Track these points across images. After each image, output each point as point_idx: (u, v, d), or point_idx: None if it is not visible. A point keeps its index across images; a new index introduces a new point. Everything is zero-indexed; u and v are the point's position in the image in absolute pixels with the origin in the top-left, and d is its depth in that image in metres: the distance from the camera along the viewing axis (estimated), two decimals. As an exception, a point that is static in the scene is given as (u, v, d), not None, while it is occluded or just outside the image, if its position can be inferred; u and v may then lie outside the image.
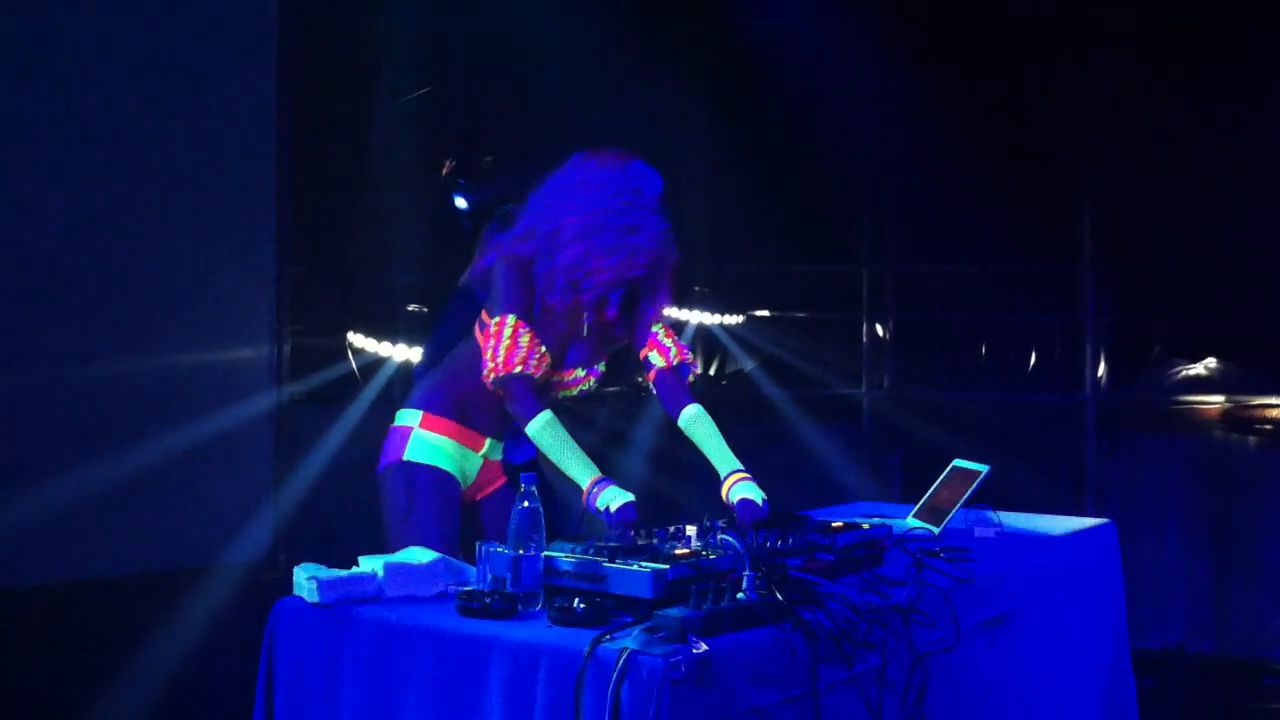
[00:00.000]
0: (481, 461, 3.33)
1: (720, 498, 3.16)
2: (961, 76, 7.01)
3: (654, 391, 3.42)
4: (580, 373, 3.36)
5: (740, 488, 3.10)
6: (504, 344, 3.10)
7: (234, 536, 5.33)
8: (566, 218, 3.22)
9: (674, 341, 3.42)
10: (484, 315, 3.28)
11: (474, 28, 6.48)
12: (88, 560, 4.83)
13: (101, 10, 4.94)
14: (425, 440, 3.24)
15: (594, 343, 3.37)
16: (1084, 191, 6.85)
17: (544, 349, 3.16)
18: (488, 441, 3.33)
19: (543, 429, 3.05)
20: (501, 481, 3.44)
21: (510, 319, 3.12)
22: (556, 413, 3.12)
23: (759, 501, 3.05)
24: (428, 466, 3.23)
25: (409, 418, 3.28)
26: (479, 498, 3.39)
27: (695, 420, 3.30)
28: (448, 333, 3.87)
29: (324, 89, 5.96)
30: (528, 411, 3.07)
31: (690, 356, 3.47)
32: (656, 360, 3.39)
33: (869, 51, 7.39)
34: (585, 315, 3.25)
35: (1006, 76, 6.88)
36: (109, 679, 4.56)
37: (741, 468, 3.17)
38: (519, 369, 3.08)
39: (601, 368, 3.43)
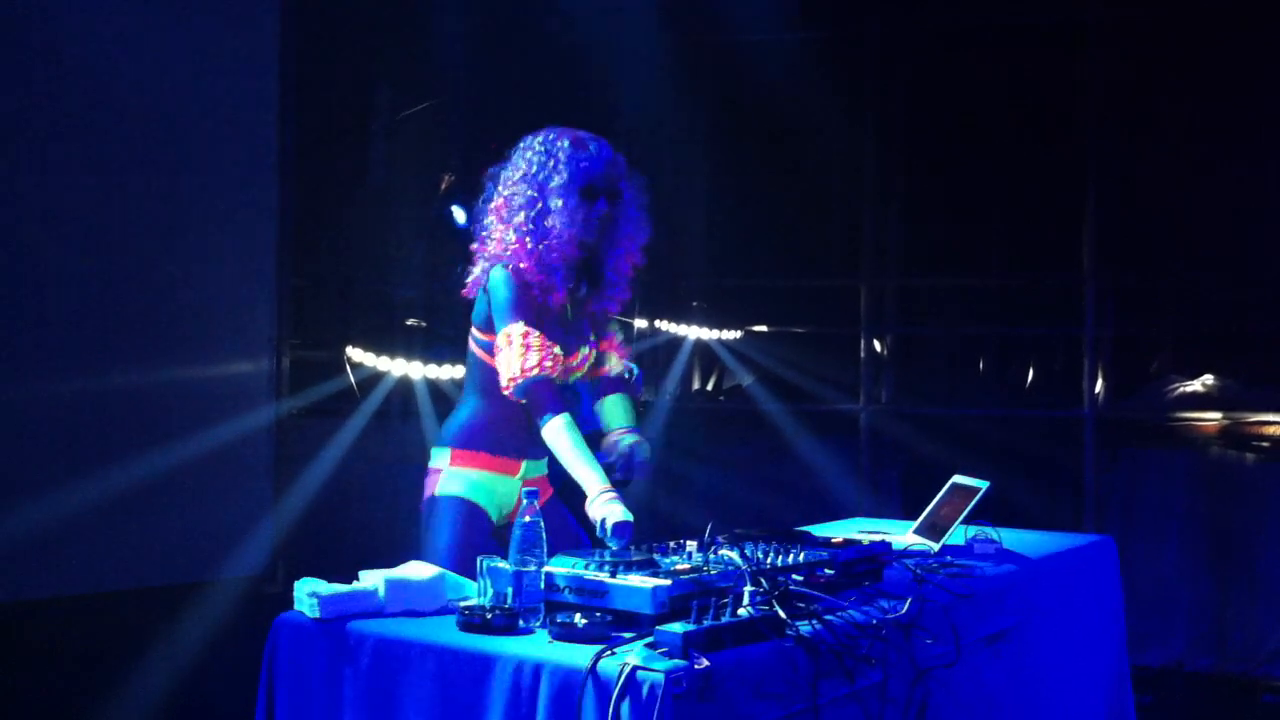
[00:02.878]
0: (520, 484, 3.31)
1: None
2: (961, 91, 7.03)
3: (590, 382, 3.48)
4: (585, 350, 3.36)
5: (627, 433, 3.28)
6: (517, 351, 3.09)
7: (233, 551, 5.32)
8: (496, 199, 3.28)
9: (624, 343, 3.55)
10: (476, 332, 3.28)
11: (474, 43, 6.49)
12: (85, 575, 4.81)
13: (101, 22, 4.94)
14: (455, 476, 3.24)
15: (584, 319, 3.38)
16: (1084, 206, 6.86)
17: (557, 349, 3.15)
18: (524, 464, 3.31)
19: (560, 431, 3.06)
20: (549, 494, 3.42)
21: (518, 326, 3.12)
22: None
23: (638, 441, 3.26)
24: (452, 498, 3.22)
25: (439, 458, 3.28)
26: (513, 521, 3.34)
27: (618, 398, 3.44)
28: None
29: (325, 103, 5.97)
30: (547, 413, 3.08)
31: (631, 365, 3.52)
32: (613, 364, 3.46)
33: (866, 65, 7.40)
34: (556, 296, 3.23)
35: (1007, 90, 6.90)
36: (107, 695, 4.55)
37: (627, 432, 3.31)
38: (536, 372, 3.08)
39: (593, 336, 3.42)
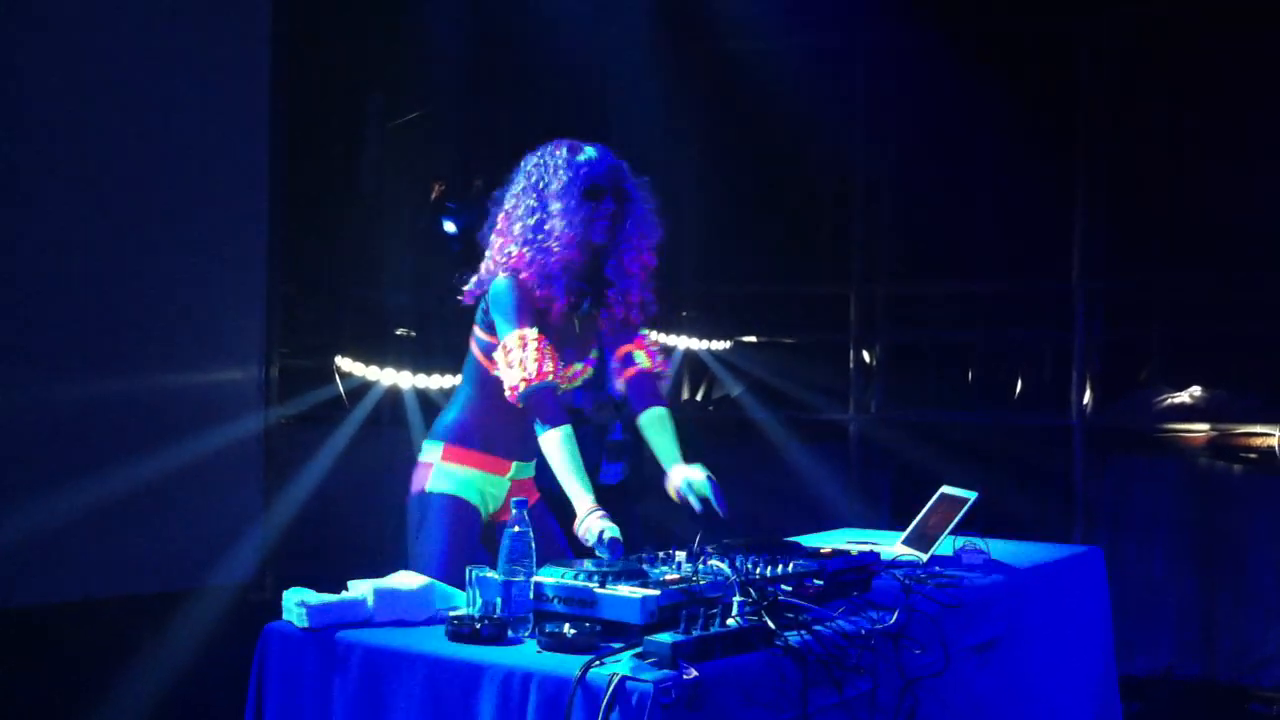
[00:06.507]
0: (509, 484, 3.31)
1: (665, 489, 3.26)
2: (949, 98, 7.04)
3: (623, 387, 3.43)
4: (578, 366, 3.35)
5: (688, 470, 3.21)
6: (530, 357, 3.07)
7: (221, 559, 5.31)
8: (498, 213, 3.28)
9: (660, 350, 3.47)
10: (478, 332, 3.27)
11: (466, 50, 6.50)
12: (74, 582, 4.81)
13: (92, 30, 4.94)
14: (447, 472, 3.23)
15: (584, 334, 3.37)
16: (1074, 214, 6.87)
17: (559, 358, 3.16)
18: (514, 465, 3.31)
19: (558, 444, 3.05)
20: (534, 499, 3.41)
21: (529, 332, 3.11)
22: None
23: (705, 478, 3.16)
24: (445, 495, 3.22)
25: (431, 452, 3.27)
26: (500, 520, 3.32)
27: (659, 420, 3.35)
28: None
29: (316, 111, 5.97)
30: (549, 422, 3.07)
31: (669, 371, 3.49)
32: (641, 360, 3.40)
33: (855, 72, 7.42)
34: (557, 305, 3.23)
35: (996, 97, 6.92)
36: (94, 703, 4.53)
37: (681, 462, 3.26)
38: (550, 378, 3.07)
39: (594, 354, 3.41)
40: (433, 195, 6.73)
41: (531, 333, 3.11)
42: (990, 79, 6.82)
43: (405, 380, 6.27)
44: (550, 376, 3.07)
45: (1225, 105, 6.54)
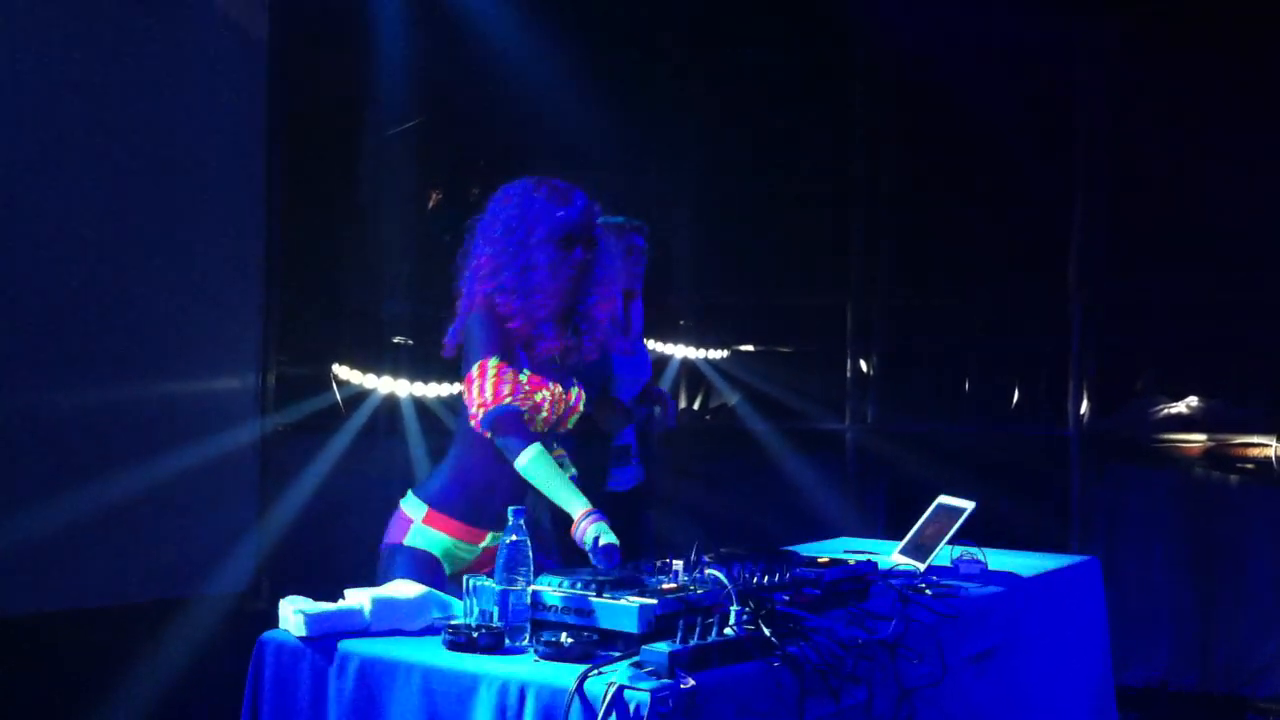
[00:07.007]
0: (480, 552, 3.28)
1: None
2: (947, 106, 7.05)
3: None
4: (576, 390, 3.35)
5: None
6: (489, 382, 3.07)
7: (217, 567, 5.31)
8: (481, 254, 3.25)
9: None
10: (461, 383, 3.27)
11: (463, 59, 6.51)
12: (68, 590, 4.80)
13: (90, 39, 4.95)
14: (424, 534, 3.20)
15: (573, 366, 3.37)
16: (1071, 225, 6.88)
17: (528, 384, 3.14)
18: (489, 535, 3.27)
19: (533, 461, 3.04)
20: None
21: (490, 361, 3.10)
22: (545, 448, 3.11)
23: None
24: (417, 550, 3.20)
25: (414, 510, 3.24)
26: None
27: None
28: None
29: (313, 119, 5.97)
30: (518, 444, 3.06)
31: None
32: None
33: (852, 83, 7.44)
34: (546, 344, 3.22)
35: (993, 107, 6.93)
36: (90, 712, 4.53)
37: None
38: (508, 400, 3.07)
39: (577, 379, 3.41)
40: (430, 204, 6.74)
41: (492, 360, 3.09)
42: (987, 87, 6.83)
43: (402, 389, 6.26)
44: (508, 400, 3.06)
45: (1224, 113, 6.55)
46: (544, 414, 3.18)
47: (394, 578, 3.11)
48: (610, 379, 4.10)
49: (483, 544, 3.26)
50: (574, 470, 3.36)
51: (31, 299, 4.75)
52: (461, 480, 3.23)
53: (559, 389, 3.21)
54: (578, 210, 3.24)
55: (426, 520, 3.21)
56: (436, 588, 3.12)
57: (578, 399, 3.33)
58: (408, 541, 3.20)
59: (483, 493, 3.20)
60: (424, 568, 3.17)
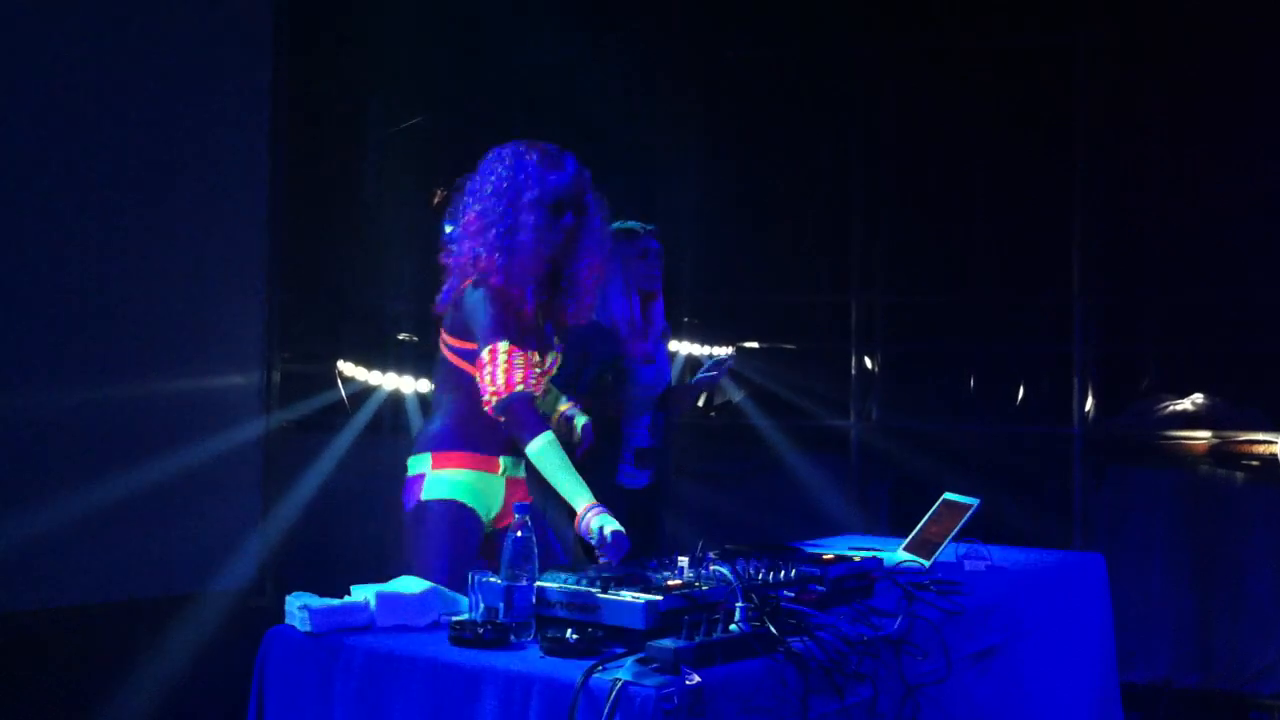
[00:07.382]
0: (504, 482, 3.28)
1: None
2: (949, 109, 7.05)
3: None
4: (553, 355, 3.37)
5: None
6: (500, 368, 3.09)
7: (222, 564, 5.31)
8: (469, 211, 3.28)
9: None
10: (448, 339, 3.26)
11: (467, 56, 6.51)
12: (73, 587, 4.81)
13: (93, 37, 4.95)
14: (440, 479, 3.21)
15: (549, 325, 3.39)
16: (1074, 223, 6.88)
17: (537, 366, 3.16)
18: (503, 461, 3.28)
19: (545, 449, 3.06)
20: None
21: (502, 345, 3.12)
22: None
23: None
24: (443, 501, 3.19)
25: (420, 464, 3.25)
26: (500, 527, 3.30)
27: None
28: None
29: (317, 115, 5.98)
30: (531, 432, 3.08)
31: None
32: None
33: (854, 83, 7.43)
34: (528, 308, 3.24)
35: (995, 109, 6.93)
36: (95, 708, 4.53)
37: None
38: (520, 388, 3.08)
39: (558, 340, 3.42)
40: (433, 200, 6.73)
41: (503, 345, 3.11)
42: (989, 90, 6.83)
43: (407, 385, 6.27)
44: (520, 387, 3.08)
45: (1224, 117, 6.55)
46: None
47: (426, 534, 3.12)
48: (622, 368, 4.11)
49: (501, 472, 3.26)
50: (585, 418, 3.41)
51: (36, 297, 4.76)
52: (457, 417, 3.24)
53: (535, 356, 3.21)
54: (569, 175, 3.26)
55: (437, 465, 3.21)
56: (471, 533, 3.16)
57: (553, 363, 3.34)
58: (426, 496, 3.20)
59: (480, 422, 3.19)
60: (454, 518, 3.17)
